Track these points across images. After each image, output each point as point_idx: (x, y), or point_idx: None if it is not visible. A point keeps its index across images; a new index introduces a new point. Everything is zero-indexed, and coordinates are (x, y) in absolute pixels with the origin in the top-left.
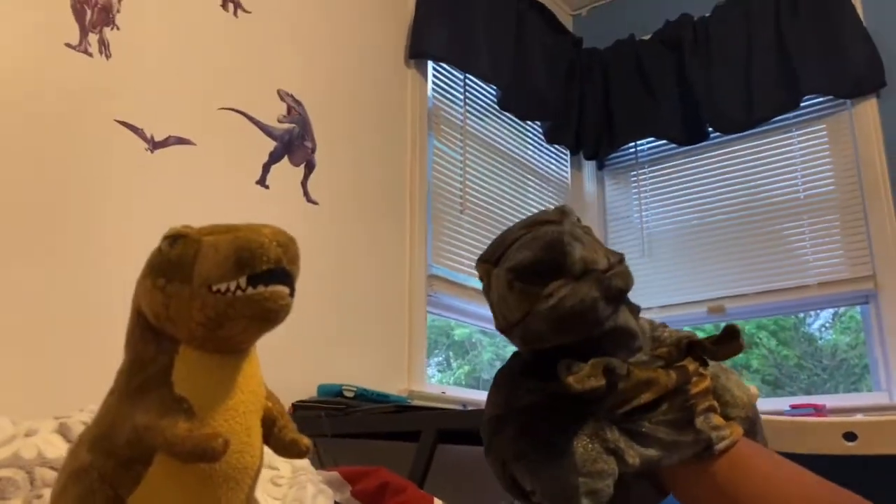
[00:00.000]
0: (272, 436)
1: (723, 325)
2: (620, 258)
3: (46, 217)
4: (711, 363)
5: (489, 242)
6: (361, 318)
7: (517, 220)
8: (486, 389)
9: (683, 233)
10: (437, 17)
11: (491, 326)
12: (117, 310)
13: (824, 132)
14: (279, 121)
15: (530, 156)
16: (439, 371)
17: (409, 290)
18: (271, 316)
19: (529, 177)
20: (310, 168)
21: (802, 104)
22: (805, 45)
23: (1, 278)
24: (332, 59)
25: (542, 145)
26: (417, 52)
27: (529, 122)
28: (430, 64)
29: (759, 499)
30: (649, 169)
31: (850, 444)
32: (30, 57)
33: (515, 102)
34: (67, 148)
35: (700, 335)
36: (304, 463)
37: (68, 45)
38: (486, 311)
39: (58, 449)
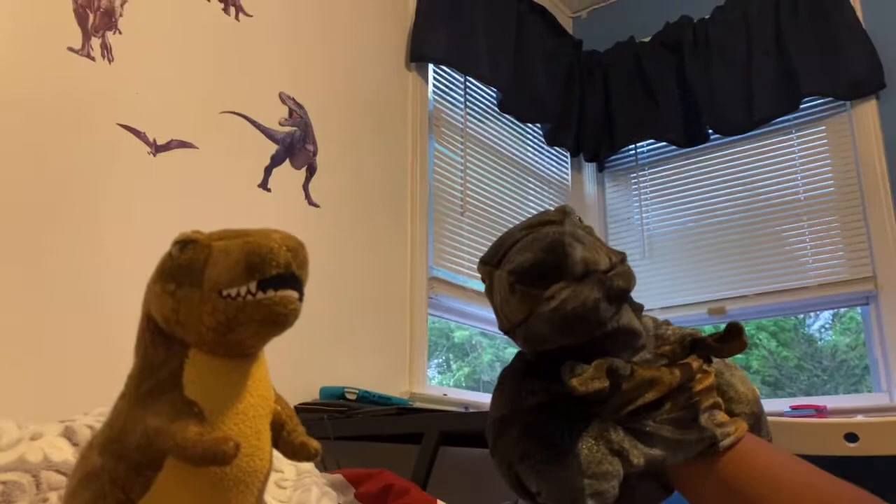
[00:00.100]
0: (281, 439)
1: (723, 326)
2: (622, 257)
3: (49, 220)
4: (715, 360)
5: (490, 244)
6: (363, 320)
7: (517, 223)
8: (487, 391)
9: (684, 234)
10: (438, 20)
11: (491, 328)
12: (120, 313)
13: (824, 133)
14: (281, 124)
15: (531, 158)
16: (439, 373)
17: (410, 293)
18: (281, 320)
19: (530, 179)
20: (311, 171)
21: (802, 106)
22: (804, 47)
23: (5, 282)
24: (333, 63)
25: (542, 147)
26: (418, 55)
27: (530, 125)
28: (431, 67)
29: (767, 494)
30: (649, 171)
31: (852, 445)
32: (32, 61)
33: (516, 105)
34: (70, 152)
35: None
36: (309, 466)
37: (71, 49)
38: (487, 312)
39: (63, 452)
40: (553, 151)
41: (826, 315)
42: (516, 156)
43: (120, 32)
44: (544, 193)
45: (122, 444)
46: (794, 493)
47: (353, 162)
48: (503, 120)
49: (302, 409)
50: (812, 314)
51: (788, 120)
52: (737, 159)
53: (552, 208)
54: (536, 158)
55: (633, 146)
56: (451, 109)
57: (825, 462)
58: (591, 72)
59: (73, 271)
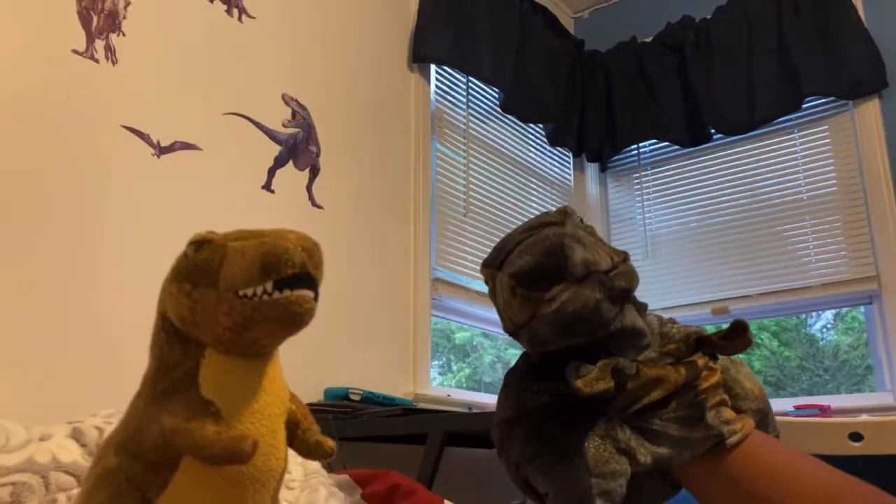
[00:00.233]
0: (297, 438)
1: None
2: (624, 257)
3: (53, 222)
4: (721, 357)
5: (492, 245)
6: (366, 321)
7: (520, 223)
8: (488, 392)
9: (686, 234)
10: (440, 21)
11: (493, 329)
12: (126, 314)
13: (826, 133)
14: (284, 125)
15: (533, 158)
16: (440, 374)
17: (413, 294)
18: (297, 320)
19: (532, 179)
20: (314, 172)
21: (804, 105)
22: (806, 46)
23: (11, 284)
24: (336, 64)
25: (544, 148)
26: (420, 56)
27: (532, 125)
28: (433, 67)
29: (775, 491)
30: (652, 171)
31: (856, 444)
32: (37, 63)
33: (518, 105)
34: (74, 154)
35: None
36: (316, 466)
37: (75, 51)
38: (490, 313)
39: (72, 453)
40: (555, 152)
41: (828, 315)
42: (518, 156)
43: (123, 34)
44: (547, 194)
45: (138, 443)
46: (805, 490)
47: (356, 163)
48: (505, 120)
49: None
50: (814, 314)
51: (791, 119)
52: (739, 159)
53: (554, 209)
54: (539, 159)
55: (635, 146)
56: (453, 110)
57: (829, 462)
58: (593, 72)
59: (77, 272)
